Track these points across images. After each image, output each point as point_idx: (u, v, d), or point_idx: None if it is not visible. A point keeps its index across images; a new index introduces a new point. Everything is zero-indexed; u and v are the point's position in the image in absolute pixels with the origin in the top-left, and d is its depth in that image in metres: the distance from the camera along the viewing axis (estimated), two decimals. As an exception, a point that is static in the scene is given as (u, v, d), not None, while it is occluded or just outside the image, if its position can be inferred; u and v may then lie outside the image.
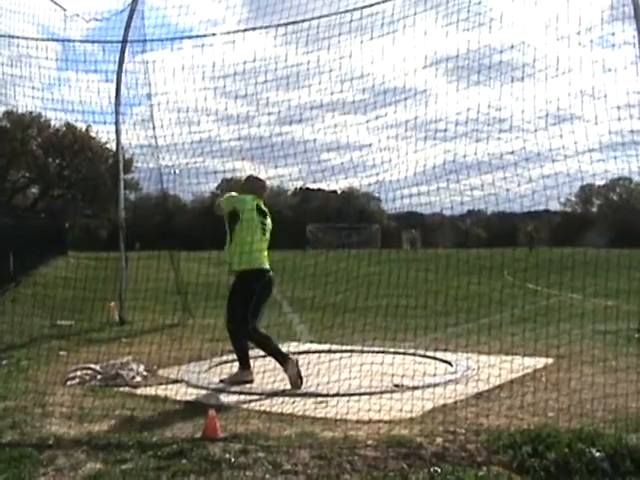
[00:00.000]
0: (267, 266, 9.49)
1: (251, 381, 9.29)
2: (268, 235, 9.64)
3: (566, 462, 5.82)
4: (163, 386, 9.11)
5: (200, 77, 11.45)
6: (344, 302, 12.06)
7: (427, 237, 58.39)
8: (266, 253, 9.56)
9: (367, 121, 9.88)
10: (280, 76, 10.54)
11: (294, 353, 10.04)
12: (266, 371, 9.32)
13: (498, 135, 8.64)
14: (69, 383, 9.31)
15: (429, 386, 8.65)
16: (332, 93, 10.15)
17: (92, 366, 9.82)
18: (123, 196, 16.10)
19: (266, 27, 12.51)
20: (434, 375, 9.19)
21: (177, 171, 11.32)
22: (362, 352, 10.81)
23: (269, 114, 10.84)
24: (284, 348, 9.72)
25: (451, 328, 12.51)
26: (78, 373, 9.62)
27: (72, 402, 8.09)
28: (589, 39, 8.74)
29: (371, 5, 11.37)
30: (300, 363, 9.11)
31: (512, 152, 8.25)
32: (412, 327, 11.18)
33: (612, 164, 8.15)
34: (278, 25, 12.22)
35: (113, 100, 15.46)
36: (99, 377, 9.52)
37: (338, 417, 7.37)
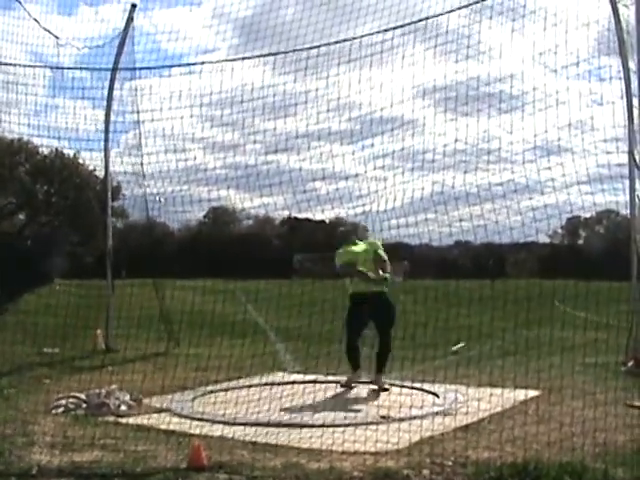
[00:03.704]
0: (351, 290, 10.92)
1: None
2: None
3: (553, 495, 5.79)
4: (148, 415, 9.03)
5: (188, 104, 11.49)
6: (331, 332, 11.99)
7: (414, 268, 58.21)
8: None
9: (354, 151, 9.92)
10: (268, 104, 10.60)
11: (279, 384, 10.02)
12: (251, 401, 9.26)
13: (487, 166, 8.68)
14: (54, 412, 9.22)
15: (416, 418, 8.59)
16: (320, 122, 10.19)
17: (77, 394, 9.73)
18: (111, 223, 16.10)
19: (256, 57, 12.58)
20: (421, 407, 9.14)
21: (163, 199, 11.31)
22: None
23: (256, 142, 10.88)
24: (270, 378, 9.66)
25: (439, 360, 12.47)
26: (63, 402, 9.52)
27: (56, 431, 8.02)
28: (577, 72, 8.82)
29: (361, 37, 11.45)
30: (286, 394, 9.25)
31: (501, 183, 8.28)
32: (399, 358, 11.13)
33: (600, 197, 8.19)
34: (265, 55, 12.29)
35: (102, 127, 15.48)
36: (84, 406, 9.43)
37: (324, 448, 7.30)
